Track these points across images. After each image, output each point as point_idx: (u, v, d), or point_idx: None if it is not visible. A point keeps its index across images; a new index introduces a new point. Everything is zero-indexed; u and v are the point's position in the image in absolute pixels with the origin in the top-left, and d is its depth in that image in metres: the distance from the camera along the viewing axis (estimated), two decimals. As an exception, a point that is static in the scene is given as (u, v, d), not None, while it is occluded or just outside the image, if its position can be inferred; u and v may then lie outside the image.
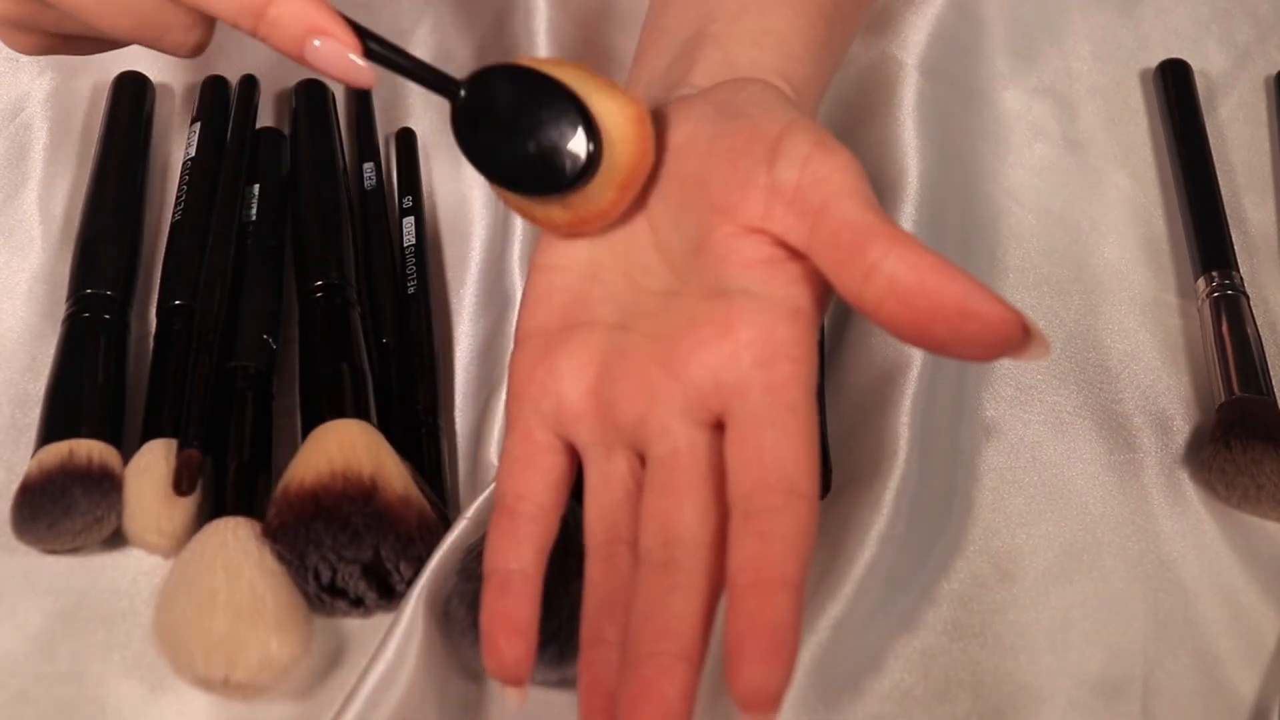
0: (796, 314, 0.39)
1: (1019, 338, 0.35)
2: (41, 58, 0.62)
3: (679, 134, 0.42)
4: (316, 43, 0.39)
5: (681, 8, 0.50)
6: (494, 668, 0.40)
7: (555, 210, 0.41)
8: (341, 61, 0.39)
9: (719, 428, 0.39)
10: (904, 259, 0.36)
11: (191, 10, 0.41)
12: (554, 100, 0.40)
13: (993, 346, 0.36)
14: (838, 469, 0.51)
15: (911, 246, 0.37)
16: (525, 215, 0.42)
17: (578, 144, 0.39)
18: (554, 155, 0.40)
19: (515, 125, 0.40)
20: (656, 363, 0.39)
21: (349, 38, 0.39)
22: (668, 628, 0.36)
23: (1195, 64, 0.67)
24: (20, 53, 0.45)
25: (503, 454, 0.42)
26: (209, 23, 0.42)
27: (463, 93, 0.40)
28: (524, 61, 0.41)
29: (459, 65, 0.64)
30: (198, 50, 0.43)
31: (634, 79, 0.49)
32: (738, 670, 0.34)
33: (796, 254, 0.39)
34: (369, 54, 0.40)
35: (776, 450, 0.37)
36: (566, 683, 0.46)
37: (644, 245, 0.42)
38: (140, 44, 0.42)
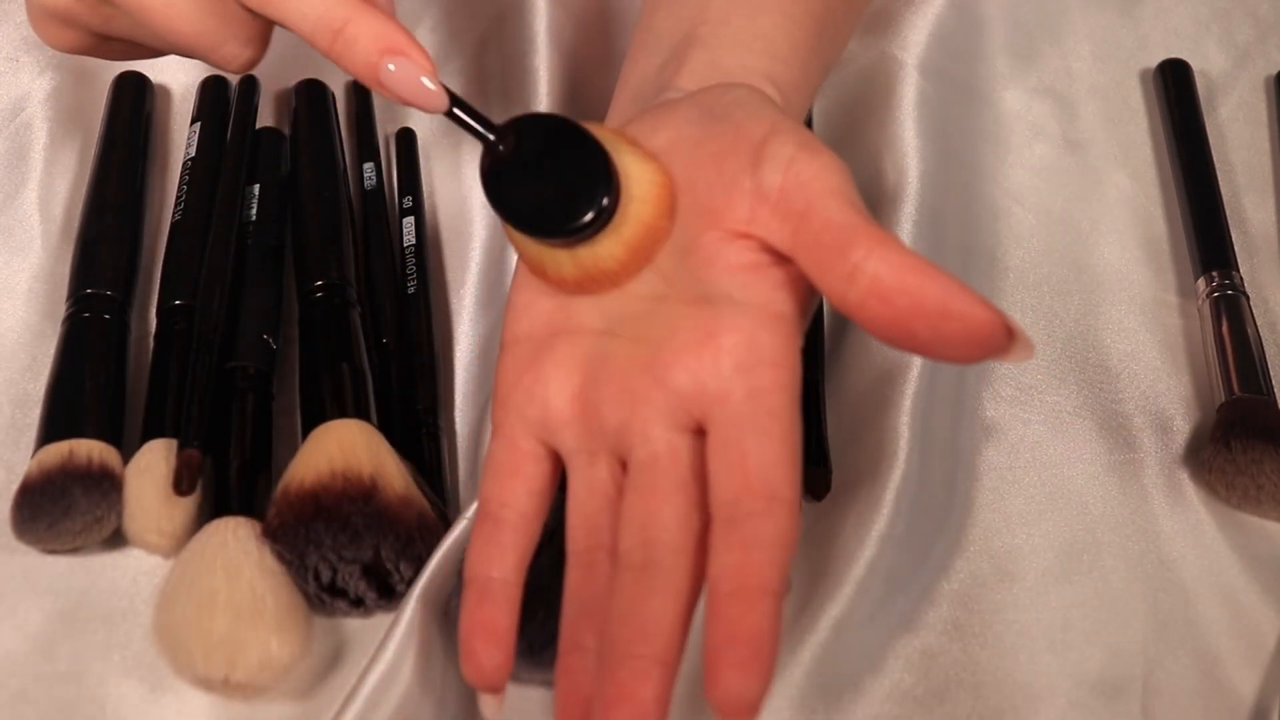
0: (779, 320, 0.39)
1: (1002, 339, 0.35)
2: (42, 58, 0.62)
3: (664, 137, 0.42)
4: (391, 65, 0.38)
5: (671, 10, 0.49)
6: (472, 675, 0.40)
7: (565, 263, 0.40)
8: (414, 84, 0.39)
9: (701, 433, 0.39)
10: (886, 259, 0.36)
11: (254, 23, 0.41)
12: (583, 151, 0.40)
13: (975, 348, 0.36)
14: (838, 469, 0.51)
15: (894, 247, 0.37)
16: (537, 270, 0.42)
17: (594, 193, 0.39)
18: (569, 200, 0.39)
19: (540, 170, 0.40)
20: (640, 368, 0.39)
21: (424, 60, 0.39)
22: (645, 630, 0.36)
23: (1195, 64, 0.67)
24: (53, 47, 0.44)
25: (487, 460, 0.42)
26: (264, 40, 0.42)
27: (495, 138, 0.40)
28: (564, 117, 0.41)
29: (459, 65, 0.64)
30: (249, 65, 0.42)
31: (624, 81, 0.49)
32: (717, 678, 0.34)
33: (781, 258, 0.39)
34: None
35: (759, 456, 0.37)
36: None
37: None
38: (191, 54, 0.42)
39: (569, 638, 0.39)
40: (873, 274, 0.36)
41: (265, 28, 0.42)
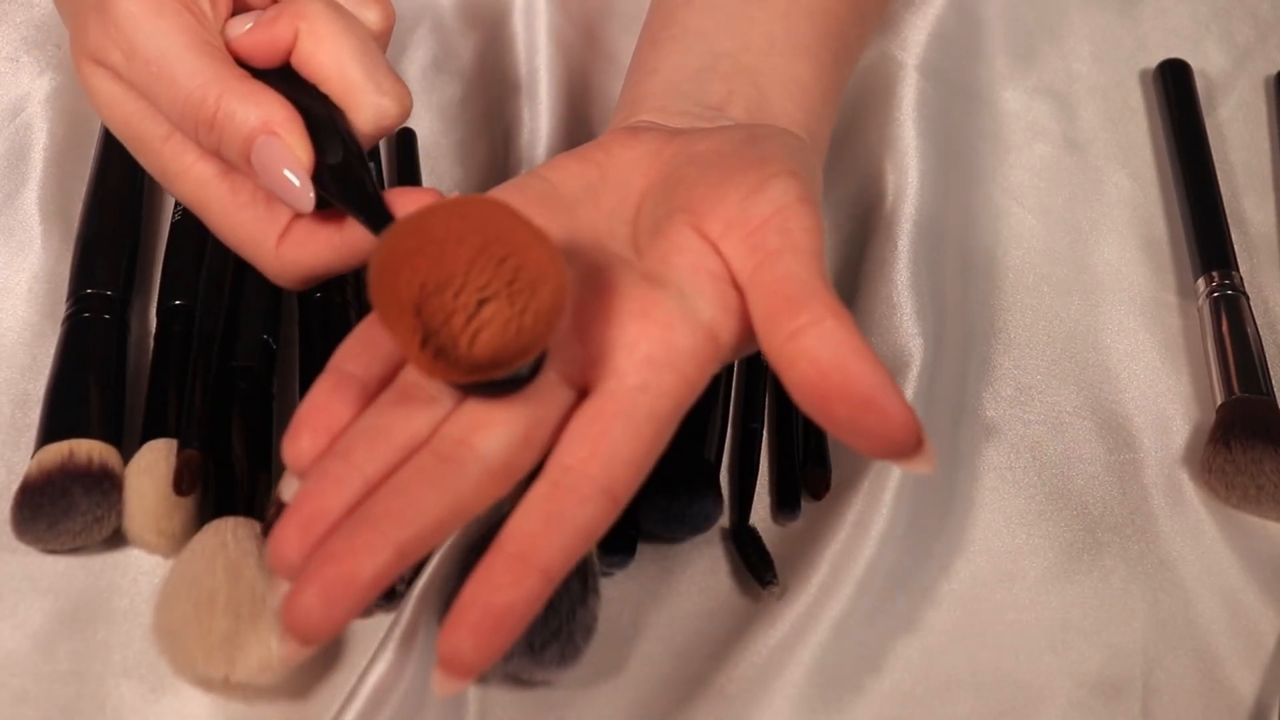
0: (711, 341, 0.39)
1: (911, 446, 0.36)
2: (42, 58, 0.62)
3: (706, 144, 0.43)
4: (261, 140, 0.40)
5: (705, 12, 0.50)
6: (288, 454, 0.39)
7: None
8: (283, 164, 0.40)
9: (582, 393, 0.39)
10: (834, 332, 0.37)
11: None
12: None
13: (882, 444, 0.36)
14: (838, 469, 0.51)
15: (845, 321, 0.37)
16: None
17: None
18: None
19: None
20: (573, 307, 0.40)
21: (304, 150, 0.40)
22: (404, 513, 0.36)
23: (1195, 64, 0.67)
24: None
25: None
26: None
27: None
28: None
29: (459, 66, 0.64)
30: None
31: (652, 68, 0.50)
32: (453, 630, 0.35)
33: (738, 288, 0.40)
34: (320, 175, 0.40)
35: (614, 445, 0.37)
36: (566, 683, 0.46)
37: (625, 215, 0.43)
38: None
39: (345, 442, 0.38)
40: (815, 340, 0.37)
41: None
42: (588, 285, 0.40)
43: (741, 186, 0.40)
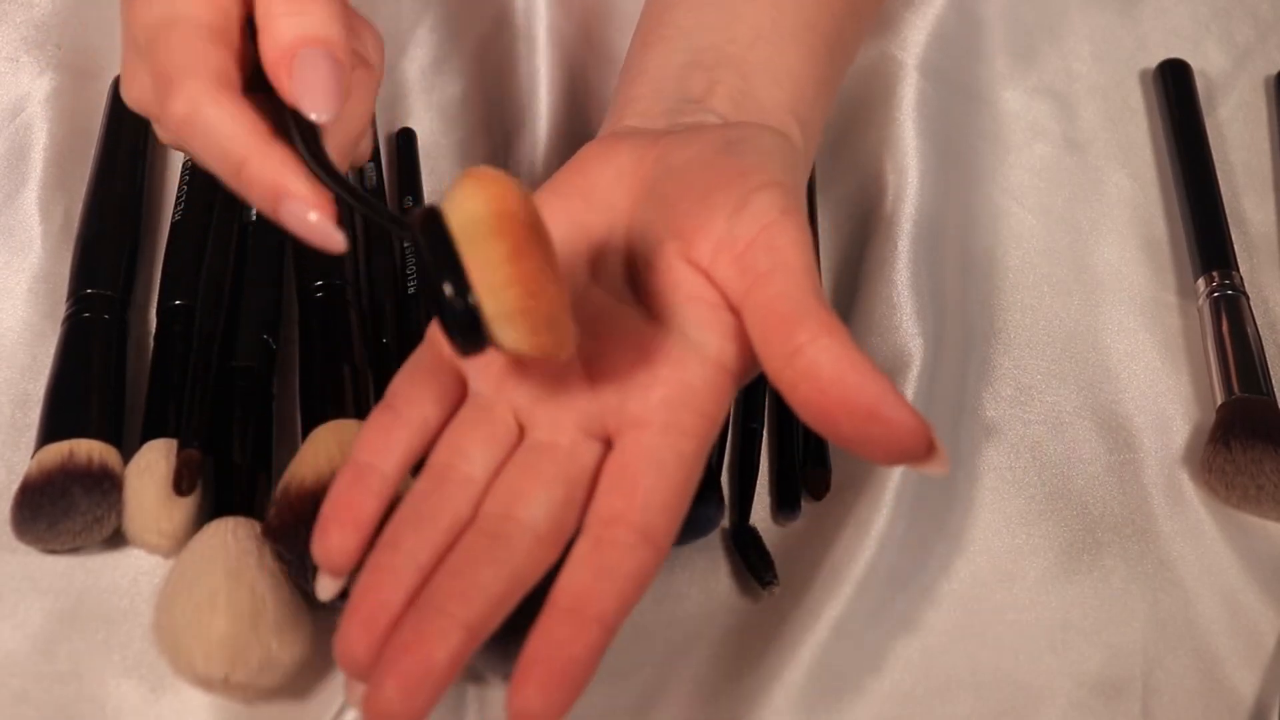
0: (721, 372, 0.40)
1: (922, 450, 0.36)
2: (42, 58, 0.62)
3: (685, 154, 0.43)
4: (287, 207, 0.38)
5: (692, 10, 0.50)
6: (319, 552, 0.39)
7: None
8: (304, 224, 0.38)
9: (607, 444, 0.39)
10: (830, 349, 0.37)
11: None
12: (439, 247, 0.36)
13: (894, 453, 0.36)
14: (838, 469, 0.51)
15: (841, 337, 0.37)
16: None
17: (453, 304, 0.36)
18: (441, 313, 0.36)
19: (425, 274, 0.37)
20: (580, 359, 0.40)
21: (316, 198, 0.38)
22: (466, 593, 0.37)
23: (1195, 64, 0.67)
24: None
25: (410, 358, 0.42)
26: None
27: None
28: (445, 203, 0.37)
29: (459, 65, 0.64)
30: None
31: (639, 69, 0.49)
32: (520, 688, 0.35)
33: (735, 308, 0.40)
34: (338, 200, 0.39)
35: (648, 492, 0.38)
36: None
37: (614, 241, 0.43)
38: None
39: (391, 533, 0.39)
40: (813, 359, 0.37)
41: None
42: (591, 335, 0.40)
43: (725, 205, 0.40)
